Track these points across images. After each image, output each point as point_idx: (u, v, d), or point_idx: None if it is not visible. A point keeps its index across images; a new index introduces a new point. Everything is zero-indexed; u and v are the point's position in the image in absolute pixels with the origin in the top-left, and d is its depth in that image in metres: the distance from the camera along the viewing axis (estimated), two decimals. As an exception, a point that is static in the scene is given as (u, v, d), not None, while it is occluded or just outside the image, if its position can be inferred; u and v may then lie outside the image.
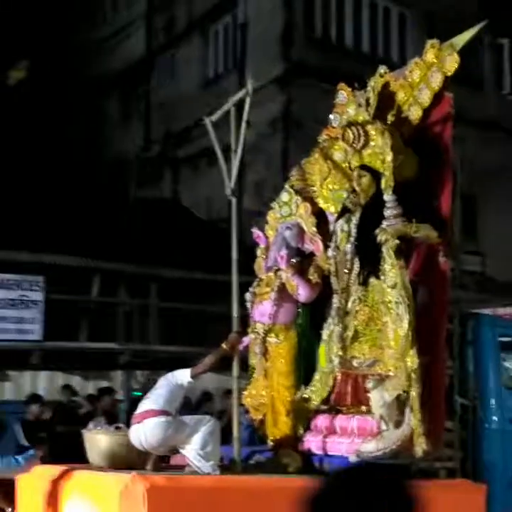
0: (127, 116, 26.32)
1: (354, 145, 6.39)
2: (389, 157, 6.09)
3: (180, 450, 5.66)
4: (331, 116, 7.28)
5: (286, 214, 7.11)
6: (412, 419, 5.68)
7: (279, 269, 6.85)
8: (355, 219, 6.39)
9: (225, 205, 24.56)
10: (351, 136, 6.37)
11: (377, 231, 6.06)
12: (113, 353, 16.93)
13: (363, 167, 6.42)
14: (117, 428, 5.99)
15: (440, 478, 6.01)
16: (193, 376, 5.81)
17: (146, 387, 17.36)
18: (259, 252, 7.32)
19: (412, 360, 5.72)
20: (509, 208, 20.36)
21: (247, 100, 6.12)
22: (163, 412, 5.59)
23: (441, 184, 6.35)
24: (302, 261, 6.87)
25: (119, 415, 13.87)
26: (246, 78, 24.70)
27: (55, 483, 5.87)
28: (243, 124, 6.14)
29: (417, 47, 23.58)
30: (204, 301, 18.07)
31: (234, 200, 6.25)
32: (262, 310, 6.80)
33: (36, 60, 23.13)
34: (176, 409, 5.72)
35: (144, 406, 5.68)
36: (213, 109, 24.07)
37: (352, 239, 6.31)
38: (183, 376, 5.80)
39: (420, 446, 5.67)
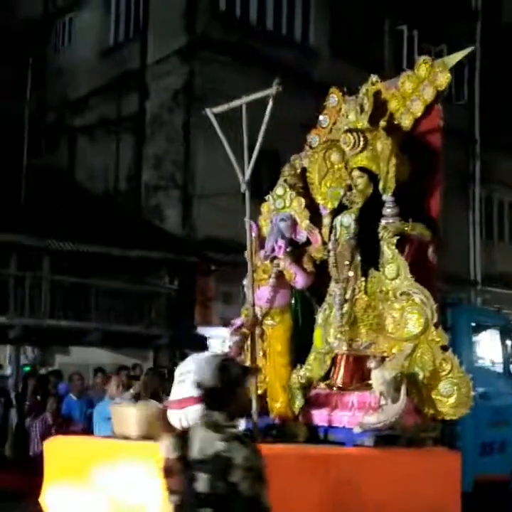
0: (22, 80, 25.64)
1: (354, 149, 7.08)
2: (393, 161, 6.81)
3: None
4: (321, 118, 7.94)
5: (280, 206, 7.71)
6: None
7: (275, 258, 7.46)
8: (354, 215, 7.08)
9: (122, 176, 24.15)
10: (352, 140, 7.06)
11: (379, 228, 6.80)
12: (2, 327, 16.67)
13: (360, 169, 7.14)
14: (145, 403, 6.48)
15: (426, 446, 6.84)
16: None
17: (36, 363, 17.28)
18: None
19: (440, 336, 6.57)
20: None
21: (270, 102, 6.35)
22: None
23: (431, 187, 7.15)
24: (295, 251, 7.52)
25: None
26: (148, 48, 24.15)
27: (86, 451, 6.34)
28: (263, 125, 6.51)
29: (320, 25, 23.75)
30: (96, 276, 18.05)
31: (247, 194, 6.69)
32: (260, 295, 7.37)
33: None
34: None
35: (182, 392, 6.01)
36: (112, 78, 23.50)
37: (353, 234, 7.01)
38: None
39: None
